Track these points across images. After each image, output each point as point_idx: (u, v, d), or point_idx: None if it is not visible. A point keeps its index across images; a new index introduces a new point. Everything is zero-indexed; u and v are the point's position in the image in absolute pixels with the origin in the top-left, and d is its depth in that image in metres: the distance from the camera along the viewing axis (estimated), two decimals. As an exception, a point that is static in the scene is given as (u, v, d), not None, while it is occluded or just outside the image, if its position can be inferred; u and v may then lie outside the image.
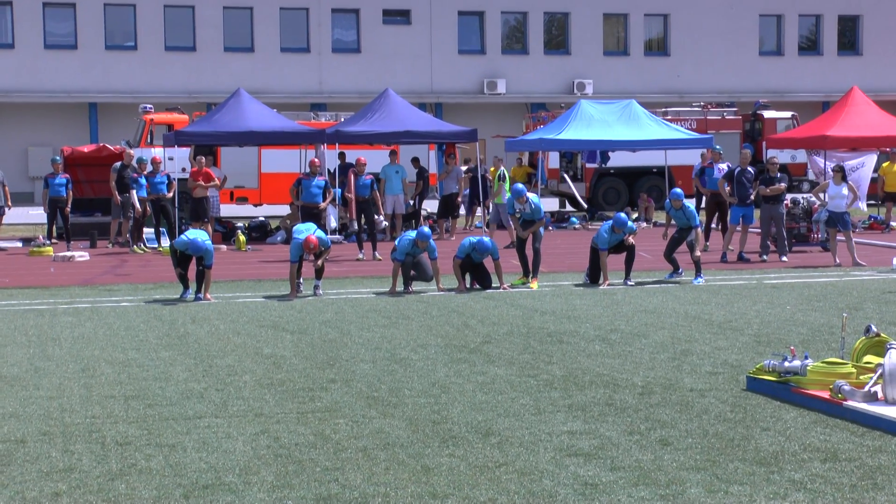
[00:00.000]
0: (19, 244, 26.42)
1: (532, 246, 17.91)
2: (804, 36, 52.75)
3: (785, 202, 22.16)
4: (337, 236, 25.81)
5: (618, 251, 17.94)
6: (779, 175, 21.68)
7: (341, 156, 28.10)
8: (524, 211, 17.86)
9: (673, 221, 18.58)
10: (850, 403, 8.88)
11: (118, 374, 10.96)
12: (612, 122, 30.19)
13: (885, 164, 29.57)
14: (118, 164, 26.14)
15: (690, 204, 18.76)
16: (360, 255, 22.28)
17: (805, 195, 25.81)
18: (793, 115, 39.21)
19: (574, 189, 35.12)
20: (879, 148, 30.10)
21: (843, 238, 20.68)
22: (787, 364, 9.65)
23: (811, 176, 34.74)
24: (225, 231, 26.94)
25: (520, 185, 18.19)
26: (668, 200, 18.58)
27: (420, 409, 9.34)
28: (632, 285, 17.56)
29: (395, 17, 48.69)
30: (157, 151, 28.90)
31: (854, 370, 9.48)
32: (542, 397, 9.72)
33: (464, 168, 31.18)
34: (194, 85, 46.36)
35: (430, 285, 17.53)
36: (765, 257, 21.34)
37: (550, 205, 34.94)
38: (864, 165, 29.77)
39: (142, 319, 14.59)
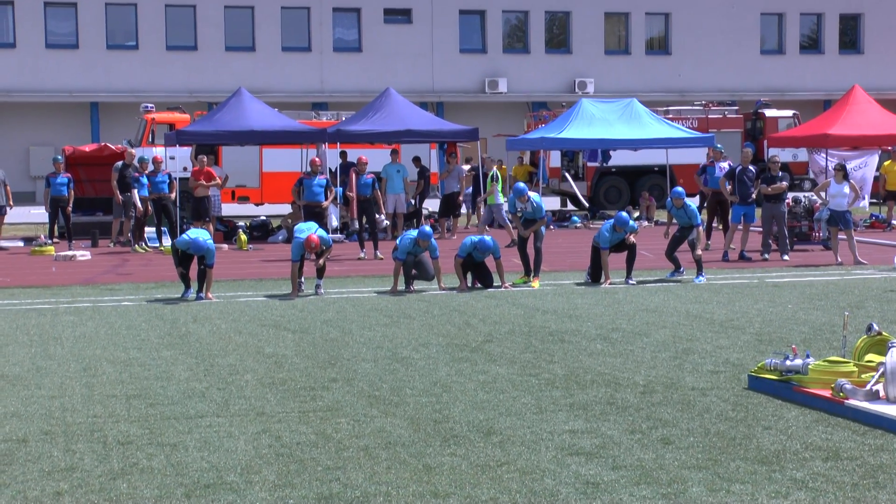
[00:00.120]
0: (21, 243, 26.43)
1: (533, 245, 17.90)
2: (805, 34, 52.75)
3: (786, 201, 22.16)
4: (338, 235, 25.81)
5: (619, 250, 17.94)
6: (780, 174, 21.67)
7: (343, 155, 28.11)
8: (526, 210, 17.85)
9: (674, 220, 18.58)
10: (852, 402, 8.88)
11: (120, 374, 10.96)
12: (613, 120, 30.19)
13: (886, 163, 29.56)
14: (120, 163, 26.17)
15: (692, 203, 18.76)
16: (362, 255, 22.28)
17: (806, 194, 25.81)
18: (794, 114, 39.19)
19: (575, 188, 35.10)
20: (881, 146, 30.08)
21: (845, 237, 20.67)
22: (788, 363, 9.65)
23: (812, 175, 34.73)
24: (226, 230, 26.94)
25: (521, 184, 18.17)
26: (669, 199, 18.59)
27: (421, 408, 9.34)
28: (633, 284, 17.56)
29: (396, 16, 48.70)
30: (159, 151, 28.90)
31: (856, 369, 9.47)
32: (544, 396, 9.72)
33: (466, 167, 31.18)
34: (195, 84, 46.36)
35: (431, 284, 17.53)
36: (766, 256, 21.34)
37: (552, 204, 34.93)
38: (867, 165, 29.75)
39: (143, 319, 14.59)
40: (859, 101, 29.02)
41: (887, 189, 29.14)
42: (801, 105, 45.87)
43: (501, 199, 26.63)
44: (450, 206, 28.67)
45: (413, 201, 28.94)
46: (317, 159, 23.11)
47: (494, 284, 17.39)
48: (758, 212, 22.53)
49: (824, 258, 21.14)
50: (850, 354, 10.11)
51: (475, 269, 17.46)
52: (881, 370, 9.03)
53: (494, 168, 27.56)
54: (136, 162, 25.62)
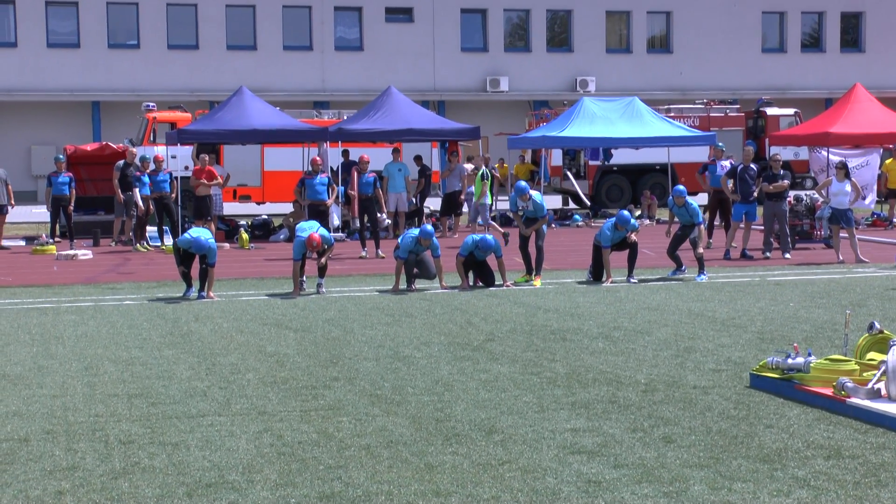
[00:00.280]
0: (22, 243, 26.44)
1: (535, 243, 17.90)
2: (807, 33, 52.73)
3: (788, 199, 22.15)
4: (340, 234, 25.81)
5: (621, 248, 17.94)
6: (782, 172, 21.67)
7: (345, 153, 28.12)
8: (527, 208, 17.85)
9: (676, 218, 18.58)
10: (854, 400, 8.87)
11: (121, 373, 10.96)
12: (614, 119, 30.20)
13: (888, 161, 29.55)
14: (121, 162, 26.19)
15: (694, 201, 18.77)
16: (363, 253, 22.29)
17: (808, 192, 25.79)
18: (795, 112, 39.16)
19: (577, 186, 35.10)
20: (882, 145, 30.06)
21: (847, 235, 20.66)
22: (790, 361, 9.65)
23: (813, 173, 34.70)
24: (228, 229, 26.95)
25: (523, 183, 18.17)
26: (671, 197, 18.59)
27: (423, 406, 9.34)
28: (635, 283, 17.55)
29: (397, 15, 48.70)
30: (160, 149, 28.90)
31: (857, 367, 9.47)
32: (546, 395, 9.72)
33: (469, 166, 31.18)
34: (197, 83, 46.38)
35: (433, 283, 17.53)
36: (768, 254, 21.33)
37: (553, 202, 34.90)
38: (869, 164, 29.73)
39: (145, 318, 14.59)
40: (861, 100, 29.00)
41: (888, 187, 29.13)
42: (803, 103, 45.85)
43: (489, 199, 26.70)
44: (451, 205, 28.68)
45: (414, 200, 28.94)
46: (317, 158, 23.12)
47: (496, 283, 17.39)
48: (759, 210, 22.53)
49: (826, 256, 21.13)
50: (851, 353, 10.11)
51: (477, 267, 17.46)
52: (883, 368, 9.02)
53: (483, 167, 27.56)
54: (137, 161, 25.63)
